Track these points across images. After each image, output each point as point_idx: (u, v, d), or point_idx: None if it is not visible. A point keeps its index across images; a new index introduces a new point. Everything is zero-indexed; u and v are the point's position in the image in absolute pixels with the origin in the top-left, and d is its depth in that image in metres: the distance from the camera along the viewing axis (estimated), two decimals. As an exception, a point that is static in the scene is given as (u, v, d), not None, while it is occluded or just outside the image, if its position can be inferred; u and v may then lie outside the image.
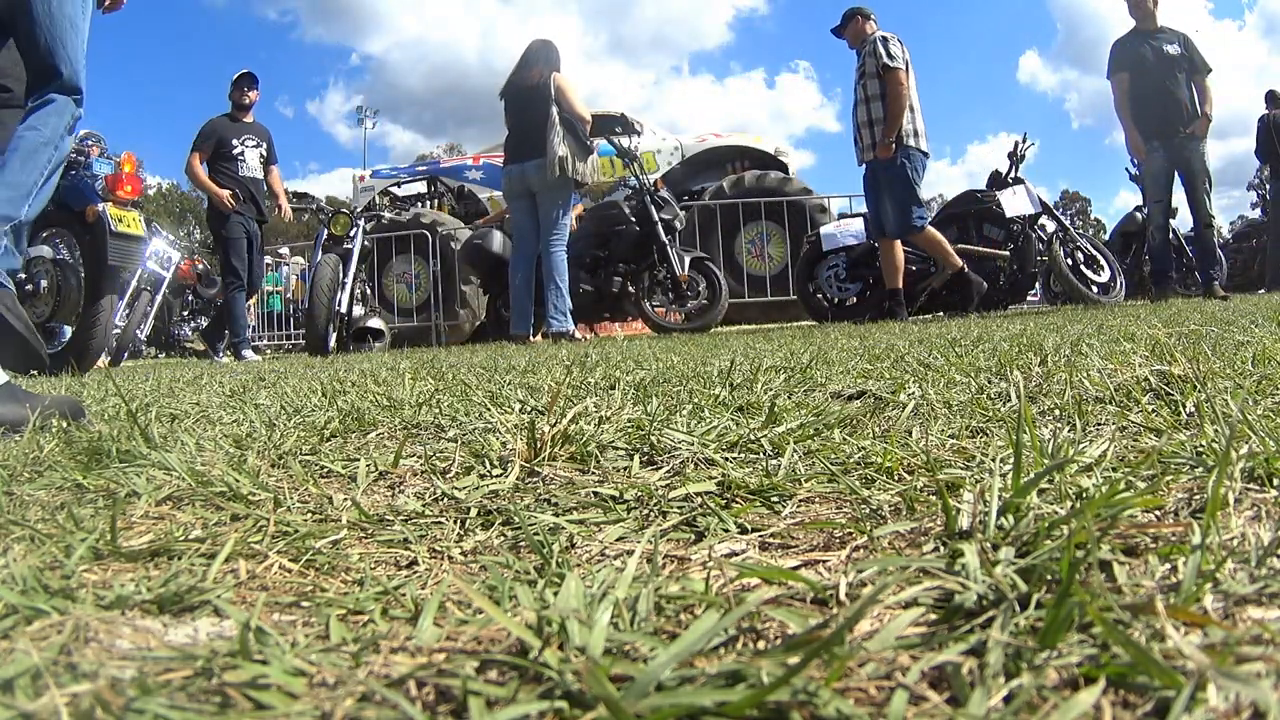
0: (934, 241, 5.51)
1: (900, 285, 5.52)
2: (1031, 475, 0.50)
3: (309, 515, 0.61)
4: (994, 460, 0.63)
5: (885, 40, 5.32)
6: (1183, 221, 6.96)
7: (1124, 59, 5.82)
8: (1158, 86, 5.67)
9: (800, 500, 0.60)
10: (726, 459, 0.71)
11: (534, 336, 5.59)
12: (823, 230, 6.72)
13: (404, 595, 0.43)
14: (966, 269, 5.59)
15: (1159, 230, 5.92)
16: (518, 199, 5.27)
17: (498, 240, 6.30)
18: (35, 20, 2.41)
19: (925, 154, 5.41)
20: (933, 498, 0.57)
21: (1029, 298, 7.76)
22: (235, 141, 6.35)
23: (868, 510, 0.55)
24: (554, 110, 5.11)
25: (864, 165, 5.59)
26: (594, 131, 5.59)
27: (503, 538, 0.56)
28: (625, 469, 0.72)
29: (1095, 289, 5.81)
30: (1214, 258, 5.91)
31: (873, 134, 5.40)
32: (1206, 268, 5.85)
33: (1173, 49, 5.73)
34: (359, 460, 0.78)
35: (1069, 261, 5.88)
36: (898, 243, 5.53)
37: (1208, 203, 5.75)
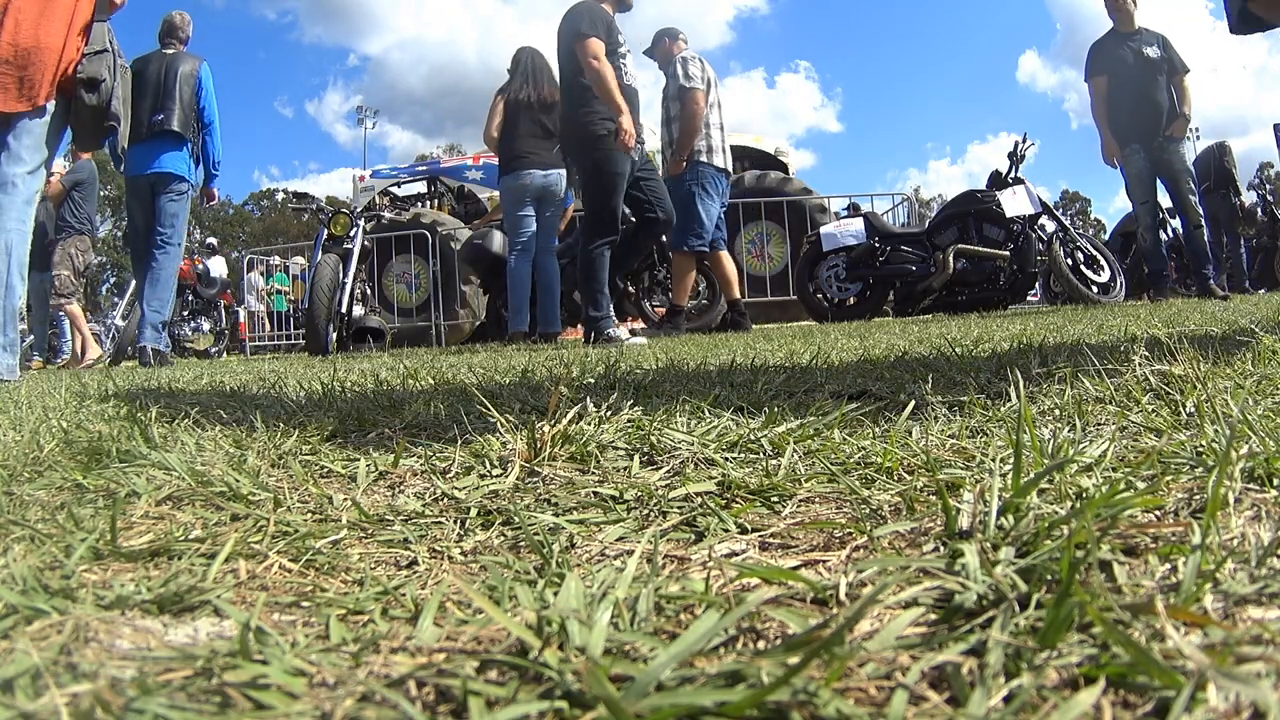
0: (720, 264, 5.54)
1: (737, 295, 5.57)
2: (1031, 475, 0.50)
3: (309, 515, 0.61)
4: (994, 460, 0.63)
5: (686, 61, 5.34)
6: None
7: (1102, 62, 5.80)
8: (1138, 89, 5.66)
9: (800, 500, 0.60)
10: (726, 459, 0.71)
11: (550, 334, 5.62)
12: (823, 230, 6.73)
13: (404, 595, 0.43)
14: (740, 303, 5.66)
15: (1149, 231, 5.92)
16: (523, 203, 5.31)
17: (498, 240, 6.31)
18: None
19: (722, 171, 5.40)
20: (933, 498, 0.57)
21: (1029, 298, 7.77)
22: (621, 38, 4.54)
23: (868, 510, 0.55)
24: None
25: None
26: None
27: (503, 538, 0.56)
28: (625, 469, 0.72)
29: (1095, 289, 5.81)
30: (1207, 258, 5.92)
31: (674, 153, 5.41)
32: (1200, 267, 5.86)
33: (1152, 51, 5.72)
34: (359, 460, 0.78)
35: (1069, 261, 5.89)
36: (724, 254, 5.56)
37: (1194, 203, 5.76)
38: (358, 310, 5.86)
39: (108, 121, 3.16)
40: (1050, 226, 6.07)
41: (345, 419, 1.09)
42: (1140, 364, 1.09)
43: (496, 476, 0.71)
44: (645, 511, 0.59)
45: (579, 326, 6.70)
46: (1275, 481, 0.54)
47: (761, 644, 0.35)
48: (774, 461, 0.69)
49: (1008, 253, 5.98)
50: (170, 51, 5.04)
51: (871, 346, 2.30)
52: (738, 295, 5.65)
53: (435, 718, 0.30)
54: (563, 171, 5.23)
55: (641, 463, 0.74)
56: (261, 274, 12.26)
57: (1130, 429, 0.76)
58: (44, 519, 0.61)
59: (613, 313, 4.59)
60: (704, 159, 5.30)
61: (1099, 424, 0.80)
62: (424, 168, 11.63)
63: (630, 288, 6.24)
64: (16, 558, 0.49)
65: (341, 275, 5.51)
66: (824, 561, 0.47)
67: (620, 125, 4.28)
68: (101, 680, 0.32)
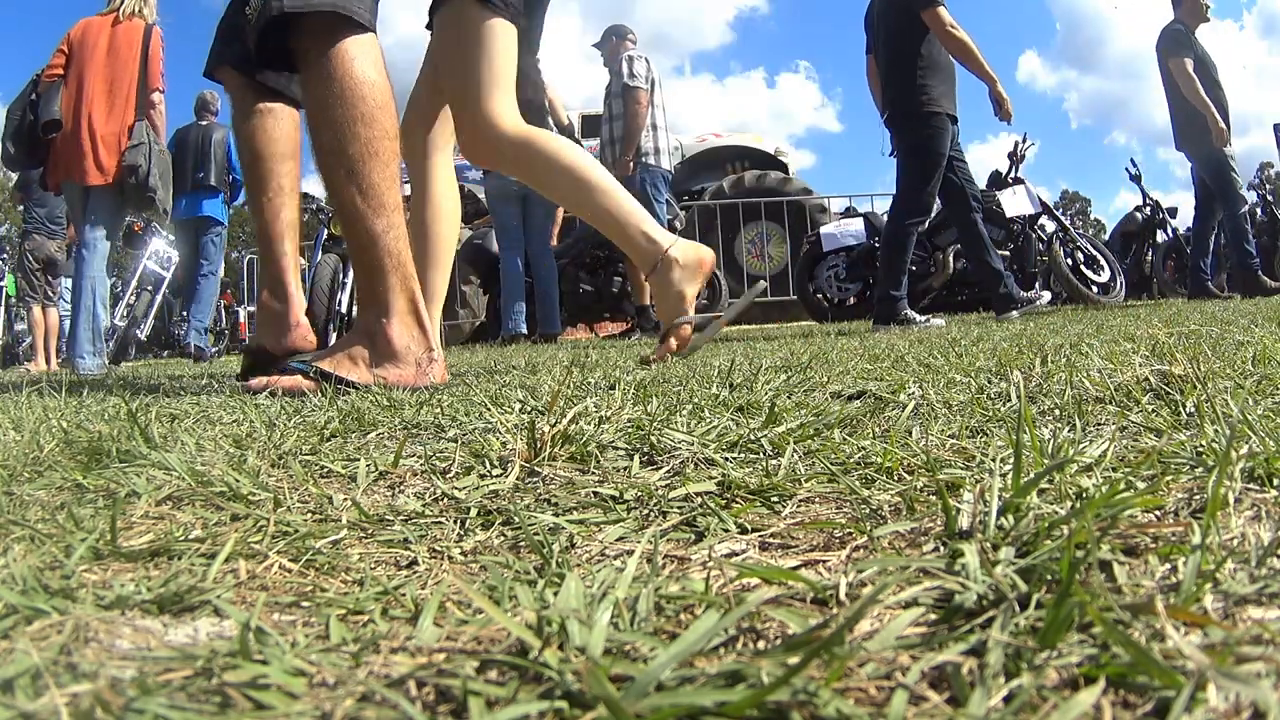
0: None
1: (647, 301, 5.56)
2: (1031, 475, 0.50)
3: (309, 515, 0.61)
4: (994, 460, 0.63)
5: (631, 60, 5.37)
6: (1182, 220, 6.99)
7: (1184, 47, 5.72)
8: (1214, 83, 5.67)
9: (800, 500, 0.60)
10: (726, 459, 0.71)
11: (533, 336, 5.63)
12: (823, 230, 6.73)
13: (404, 595, 0.43)
14: (649, 310, 5.62)
15: (1245, 219, 5.79)
16: (509, 201, 5.33)
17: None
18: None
19: (668, 172, 5.43)
20: (933, 498, 0.57)
21: (1038, 301, 7.76)
22: None
23: (868, 510, 0.55)
24: (550, 123, 5.26)
25: None
26: (593, 132, 5.67)
27: (503, 538, 0.56)
28: (625, 469, 0.72)
29: (1095, 289, 5.81)
30: (1208, 253, 5.95)
31: (613, 152, 5.41)
32: (1198, 259, 5.90)
33: (1210, 57, 5.75)
34: (359, 460, 0.78)
35: (1069, 261, 5.89)
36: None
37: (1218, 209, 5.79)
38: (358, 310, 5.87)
39: (147, 193, 4.45)
40: (1050, 226, 6.07)
41: (345, 419, 1.09)
42: (1140, 364, 1.09)
43: (496, 476, 0.71)
44: (645, 511, 0.59)
45: (579, 326, 6.71)
46: (1275, 481, 0.54)
47: (761, 644, 0.35)
48: (774, 461, 0.69)
49: (1008, 253, 5.98)
50: (205, 123, 6.73)
51: (871, 346, 2.31)
52: (647, 301, 5.63)
53: (435, 718, 0.30)
54: None
55: (641, 463, 0.74)
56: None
57: (1130, 429, 0.76)
58: (44, 519, 0.61)
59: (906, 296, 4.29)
60: (652, 161, 5.31)
61: (1099, 424, 0.80)
62: (424, 168, 11.60)
63: (631, 288, 6.23)
64: (16, 558, 0.49)
65: (342, 275, 5.50)
66: (824, 561, 0.47)
67: (998, 94, 4.13)
68: (101, 680, 0.32)
